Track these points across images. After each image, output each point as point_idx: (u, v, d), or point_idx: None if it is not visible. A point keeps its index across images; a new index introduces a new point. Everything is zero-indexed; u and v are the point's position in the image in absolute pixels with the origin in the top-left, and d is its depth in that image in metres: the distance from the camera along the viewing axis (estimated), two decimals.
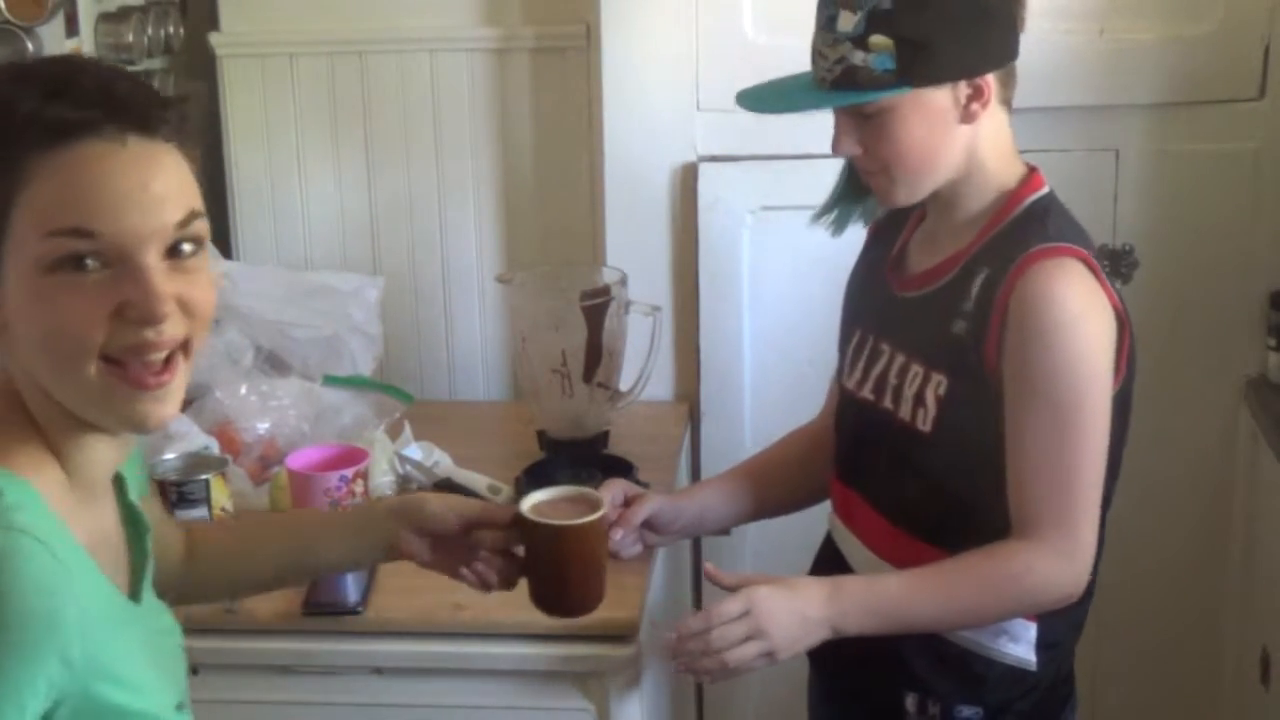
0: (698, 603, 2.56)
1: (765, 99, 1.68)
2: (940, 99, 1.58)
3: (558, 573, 1.48)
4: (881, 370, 1.70)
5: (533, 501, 1.50)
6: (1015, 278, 1.56)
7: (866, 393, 1.72)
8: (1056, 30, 2.30)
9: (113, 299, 1.06)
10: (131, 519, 1.26)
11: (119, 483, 1.26)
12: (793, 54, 1.71)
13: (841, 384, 1.80)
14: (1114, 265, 2.38)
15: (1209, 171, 2.38)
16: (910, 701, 1.68)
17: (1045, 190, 1.66)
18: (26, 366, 1.10)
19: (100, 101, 1.06)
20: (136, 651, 1.14)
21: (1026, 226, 1.61)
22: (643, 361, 2.19)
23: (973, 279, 1.61)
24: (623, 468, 2.12)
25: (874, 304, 1.77)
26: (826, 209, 1.80)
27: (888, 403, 1.68)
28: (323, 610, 1.82)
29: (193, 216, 1.09)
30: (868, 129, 1.59)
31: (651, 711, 1.92)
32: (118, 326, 1.06)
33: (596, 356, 2.12)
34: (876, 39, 1.54)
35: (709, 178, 2.43)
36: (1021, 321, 1.55)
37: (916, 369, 1.65)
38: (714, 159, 2.43)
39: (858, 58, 1.55)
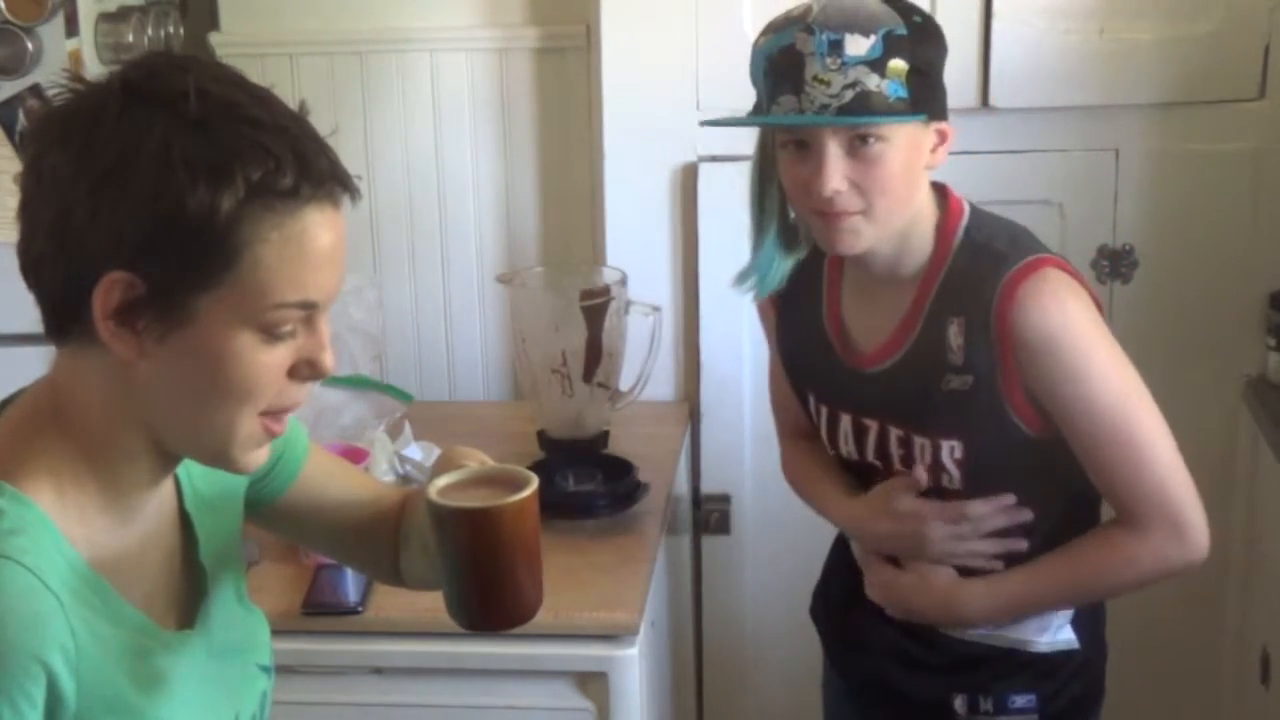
0: (698, 603, 2.56)
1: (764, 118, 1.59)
2: (925, 137, 1.55)
3: (478, 573, 1.15)
4: (877, 442, 1.65)
5: (444, 484, 1.17)
6: (1005, 310, 1.52)
7: (870, 459, 1.67)
8: (1056, 30, 2.30)
9: (292, 357, 1.06)
10: (189, 534, 1.20)
11: (179, 494, 1.19)
12: None
13: (829, 445, 1.73)
14: (1114, 265, 2.38)
15: (1209, 171, 2.38)
16: (959, 702, 1.66)
17: (967, 210, 1.62)
18: (151, 401, 1.04)
19: (332, 170, 1.07)
20: (169, 681, 1.10)
21: (978, 258, 1.57)
22: (643, 361, 2.19)
23: (944, 331, 1.56)
24: (623, 468, 2.12)
25: (832, 379, 1.69)
26: (754, 269, 1.71)
27: (899, 466, 1.64)
28: (323, 610, 1.82)
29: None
30: (857, 162, 1.51)
31: (651, 711, 1.92)
32: (285, 385, 1.06)
33: (596, 356, 2.12)
34: (895, 64, 1.48)
35: (709, 178, 2.43)
36: (1036, 346, 1.52)
37: (921, 441, 1.60)
38: (714, 159, 2.43)
39: (873, 82, 1.48)
